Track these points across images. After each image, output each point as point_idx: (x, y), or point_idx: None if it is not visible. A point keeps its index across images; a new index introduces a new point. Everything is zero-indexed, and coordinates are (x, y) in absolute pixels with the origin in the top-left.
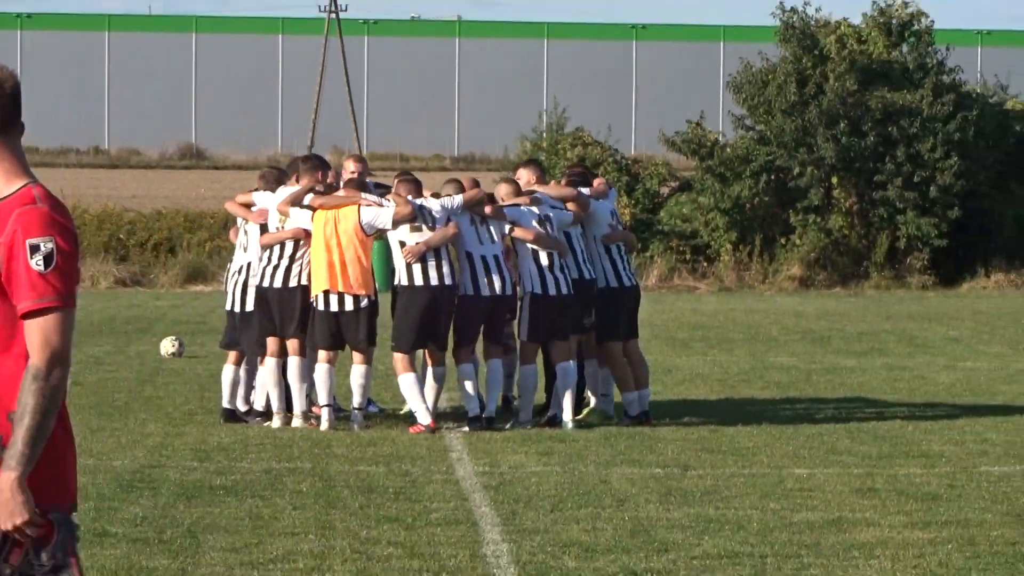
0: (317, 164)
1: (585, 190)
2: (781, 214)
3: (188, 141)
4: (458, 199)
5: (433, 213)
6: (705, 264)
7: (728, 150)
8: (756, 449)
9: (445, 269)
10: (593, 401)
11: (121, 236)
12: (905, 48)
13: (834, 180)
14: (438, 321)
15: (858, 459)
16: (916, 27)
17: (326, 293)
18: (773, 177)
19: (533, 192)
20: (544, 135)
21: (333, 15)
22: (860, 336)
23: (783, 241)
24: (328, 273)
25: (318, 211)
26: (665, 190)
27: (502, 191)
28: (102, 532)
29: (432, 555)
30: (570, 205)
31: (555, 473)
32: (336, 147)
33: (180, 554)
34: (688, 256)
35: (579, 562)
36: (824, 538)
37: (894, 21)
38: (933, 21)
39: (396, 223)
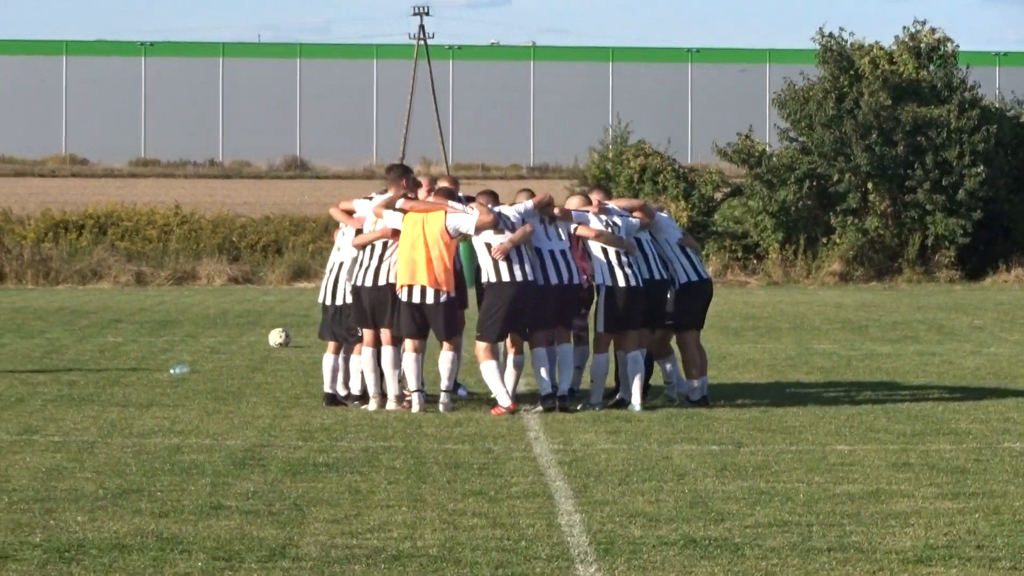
0: (401, 172)
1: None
2: (822, 216)
3: (293, 154)
4: (529, 203)
5: (511, 219)
6: (755, 261)
7: (774, 159)
8: (802, 428)
9: (527, 267)
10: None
11: (233, 239)
12: (932, 68)
13: (869, 185)
14: (522, 313)
15: (894, 436)
16: (942, 50)
17: (409, 287)
18: (815, 183)
19: (604, 205)
20: (610, 147)
21: (422, 42)
22: (894, 325)
23: (825, 240)
24: (412, 269)
25: (409, 213)
26: (718, 195)
27: (572, 203)
28: (217, 505)
29: (513, 525)
30: (636, 213)
31: (622, 450)
32: (424, 158)
33: (287, 525)
34: (740, 254)
35: (644, 531)
36: (864, 508)
37: (922, 44)
38: (957, 44)
39: (478, 229)
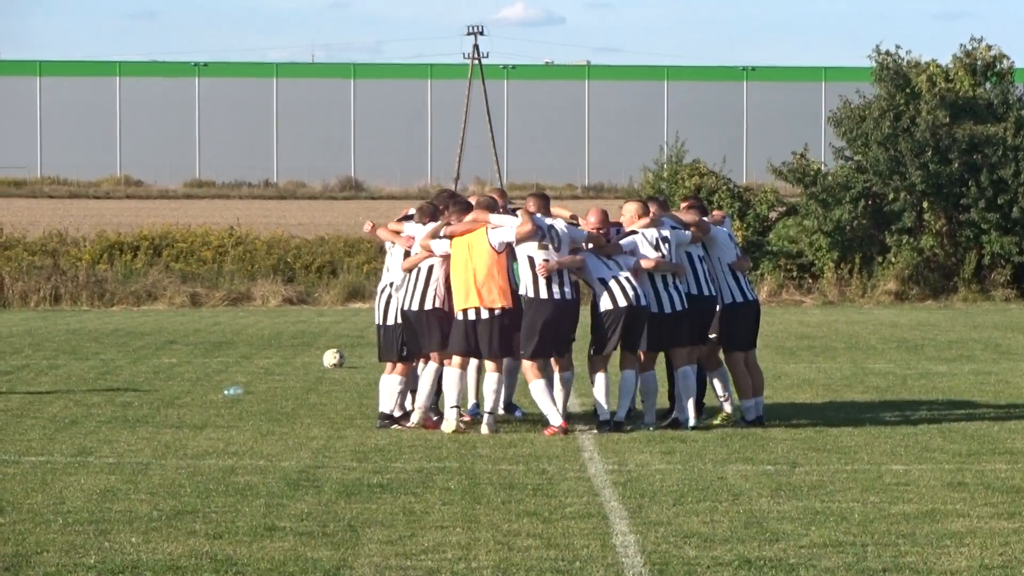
0: (448, 200)
1: (705, 218)
2: (878, 235)
3: (348, 174)
4: (583, 233)
5: (558, 234)
6: (810, 280)
7: (829, 178)
8: (857, 447)
9: (567, 287)
10: (727, 407)
11: (288, 260)
12: (988, 86)
13: (924, 204)
14: (559, 331)
15: (949, 456)
16: (998, 67)
17: (465, 311)
18: (870, 202)
19: (660, 216)
20: (665, 166)
21: (476, 61)
22: (950, 344)
23: (880, 259)
24: (467, 291)
25: (456, 237)
26: (774, 214)
27: (630, 211)
28: (271, 527)
29: (567, 546)
30: (692, 228)
31: (677, 470)
32: (479, 178)
33: (341, 546)
34: (795, 273)
35: (699, 551)
36: (919, 528)
37: (978, 62)
38: (1013, 61)
39: (519, 240)
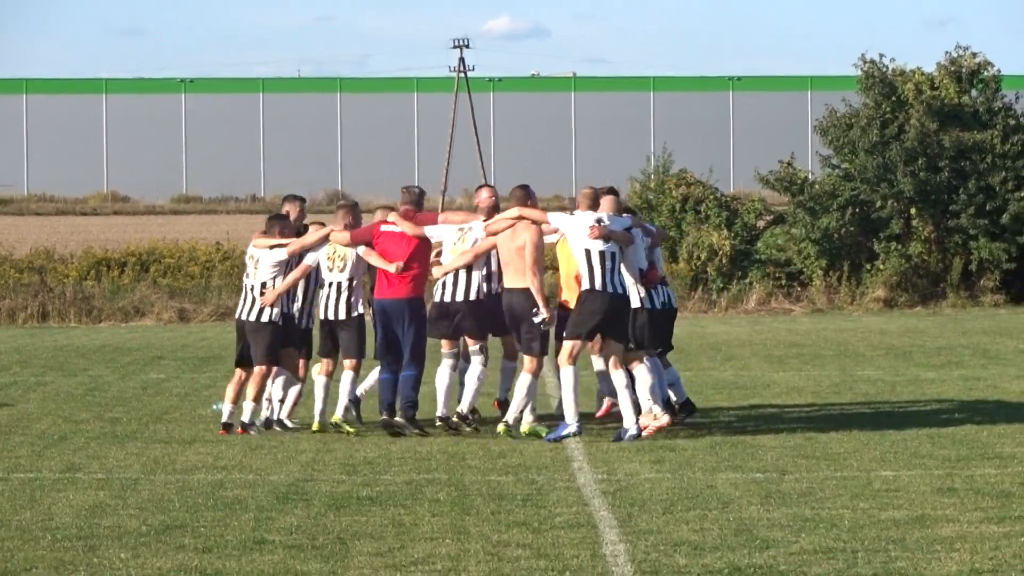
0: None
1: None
2: (866, 242)
3: (335, 188)
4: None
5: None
6: (799, 289)
7: (817, 186)
8: (847, 454)
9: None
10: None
11: None
12: (974, 93)
13: (912, 211)
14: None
15: (938, 462)
16: (984, 74)
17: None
18: (858, 210)
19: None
20: (652, 176)
21: (462, 74)
22: (939, 350)
23: (868, 267)
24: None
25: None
26: (761, 223)
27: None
28: (260, 540)
29: (557, 556)
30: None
31: (666, 479)
32: (466, 191)
33: (331, 559)
34: (783, 282)
35: (689, 559)
36: (909, 534)
37: (963, 69)
38: (999, 69)
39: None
